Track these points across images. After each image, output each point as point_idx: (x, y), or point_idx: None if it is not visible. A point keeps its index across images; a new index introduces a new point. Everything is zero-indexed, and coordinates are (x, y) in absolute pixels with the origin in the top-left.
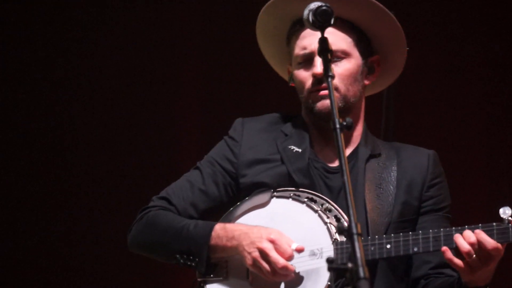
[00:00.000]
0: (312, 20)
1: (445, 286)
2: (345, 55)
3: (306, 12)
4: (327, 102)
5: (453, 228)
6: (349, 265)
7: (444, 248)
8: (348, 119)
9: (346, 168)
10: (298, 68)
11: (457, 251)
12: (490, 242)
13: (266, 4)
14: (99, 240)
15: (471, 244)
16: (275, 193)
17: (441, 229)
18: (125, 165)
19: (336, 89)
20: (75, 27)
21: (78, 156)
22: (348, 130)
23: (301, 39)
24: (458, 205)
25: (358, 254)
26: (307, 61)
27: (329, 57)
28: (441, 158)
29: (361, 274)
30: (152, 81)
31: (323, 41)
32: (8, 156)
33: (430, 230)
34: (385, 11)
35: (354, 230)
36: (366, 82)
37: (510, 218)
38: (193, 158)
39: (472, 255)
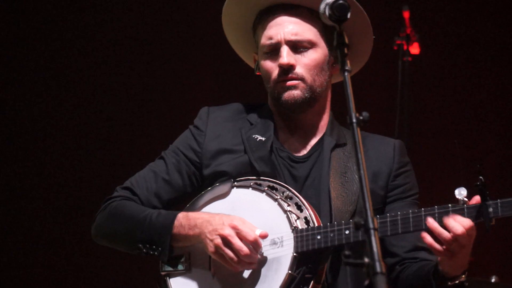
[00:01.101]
0: (329, 14)
1: (421, 274)
2: (311, 45)
3: (322, 6)
4: (293, 92)
5: (410, 211)
6: (366, 259)
7: (424, 233)
8: (365, 114)
9: (363, 163)
10: (265, 58)
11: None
12: (466, 221)
13: None
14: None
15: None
16: (235, 183)
17: (398, 213)
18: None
19: (303, 79)
20: (88, 23)
21: (82, 155)
22: (365, 124)
23: (267, 29)
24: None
25: (375, 249)
26: (273, 51)
27: (346, 51)
28: (455, 151)
29: (378, 268)
30: (163, 78)
31: (340, 35)
32: (14, 155)
33: (388, 214)
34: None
35: (371, 225)
36: (333, 71)
37: (465, 198)
38: None
39: (451, 243)
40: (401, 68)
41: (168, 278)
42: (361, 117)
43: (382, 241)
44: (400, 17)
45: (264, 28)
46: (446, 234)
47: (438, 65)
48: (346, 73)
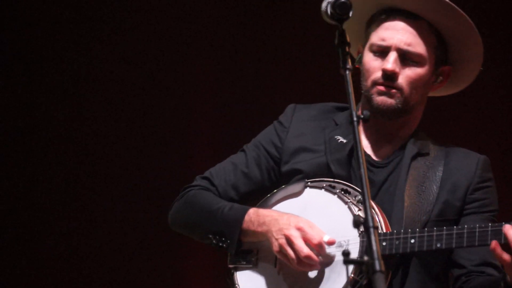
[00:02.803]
0: (331, 12)
1: (489, 284)
2: (420, 59)
3: (324, 4)
4: (388, 100)
5: (477, 225)
6: (365, 258)
7: (494, 243)
8: (366, 112)
9: (363, 161)
10: (371, 57)
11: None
12: None
13: None
14: (109, 244)
15: None
16: (309, 183)
17: (465, 226)
18: (137, 167)
19: (401, 90)
20: (87, 24)
21: (90, 157)
22: (365, 122)
23: (382, 29)
24: None
25: (374, 247)
26: (381, 53)
27: (347, 49)
28: None
29: (377, 267)
30: (166, 81)
31: (341, 35)
32: (23, 155)
33: (455, 227)
34: (472, 24)
35: (370, 224)
36: (432, 88)
37: None
38: (206, 161)
39: None
40: None
41: (235, 271)
42: (362, 116)
43: (451, 253)
44: None
45: (379, 26)
46: None
47: None
48: (347, 72)
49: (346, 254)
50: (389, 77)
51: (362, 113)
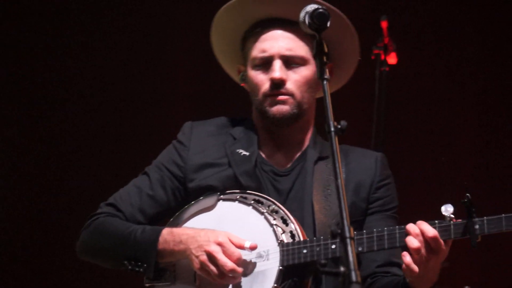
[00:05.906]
0: (309, 22)
1: (391, 285)
2: (303, 62)
3: (302, 14)
4: (282, 107)
5: (397, 227)
6: (341, 268)
7: (404, 252)
8: (343, 122)
9: (340, 172)
10: (255, 71)
11: (404, 249)
12: (430, 230)
13: (230, 3)
14: None
15: (416, 235)
16: (221, 196)
17: (385, 228)
18: (122, 166)
19: (292, 95)
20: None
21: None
22: (342, 133)
23: (261, 41)
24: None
25: (351, 258)
26: (265, 64)
27: (325, 59)
28: (431, 162)
29: (353, 278)
30: (149, 93)
31: (320, 44)
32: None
33: (374, 230)
34: (344, 20)
35: (347, 234)
36: (319, 88)
37: (451, 215)
38: None
39: (420, 250)
40: (378, 78)
41: None
42: (339, 126)
43: (357, 254)
44: (378, 27)
45: (257, 40)
46: (416, 244)
47: (416, 76)
48: (325, 82)
49: (322, 265)
50: (278, 85)
51: (339, 123)
